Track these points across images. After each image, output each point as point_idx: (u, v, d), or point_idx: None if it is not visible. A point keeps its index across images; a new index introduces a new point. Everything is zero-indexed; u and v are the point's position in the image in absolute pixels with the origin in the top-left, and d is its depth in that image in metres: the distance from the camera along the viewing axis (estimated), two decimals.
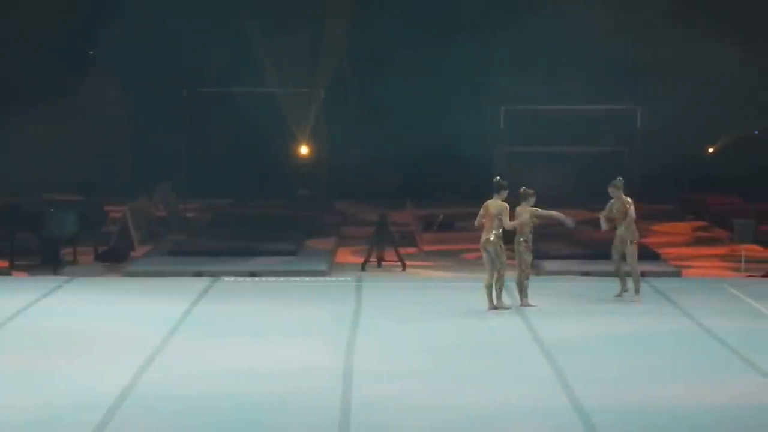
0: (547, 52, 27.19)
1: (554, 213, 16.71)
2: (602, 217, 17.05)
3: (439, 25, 27.71)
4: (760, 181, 27.00)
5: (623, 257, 16.94)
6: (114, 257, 20.83)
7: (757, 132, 28.34)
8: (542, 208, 16.56)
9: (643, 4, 27.08)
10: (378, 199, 26.42)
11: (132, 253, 21.42)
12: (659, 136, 27.38)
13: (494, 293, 16.22)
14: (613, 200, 16.99)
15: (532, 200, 16.45)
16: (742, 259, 19.96)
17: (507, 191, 16.21)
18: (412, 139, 27.84)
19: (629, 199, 16.89)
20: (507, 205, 16.17)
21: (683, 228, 25.69)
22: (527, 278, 16.57)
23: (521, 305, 16.47)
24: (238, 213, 26.57)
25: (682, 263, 20.78)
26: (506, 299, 16.47)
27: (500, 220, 16.03)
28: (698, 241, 24.07)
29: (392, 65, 27.84)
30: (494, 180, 16.35)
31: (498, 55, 27.41)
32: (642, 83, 27.41)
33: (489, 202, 16.18)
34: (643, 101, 28.21)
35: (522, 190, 16.49)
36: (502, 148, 26.98)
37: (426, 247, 22.64)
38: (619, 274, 17.13)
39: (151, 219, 24.04)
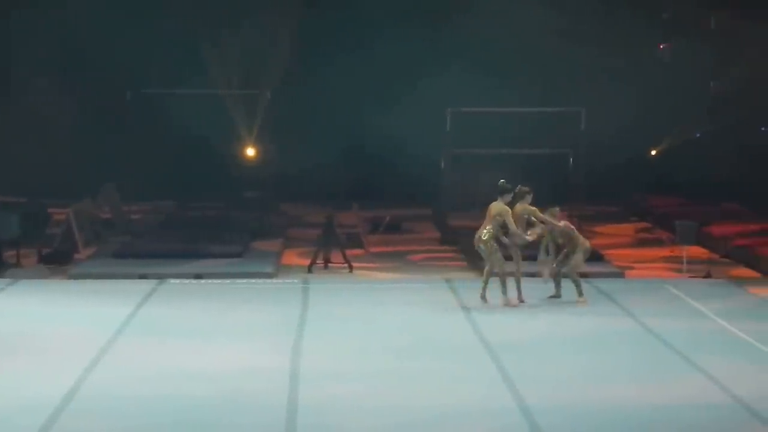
0: (492, 54, 27.29)
1: (547, 218, 16.69)
2: (544, 268, 17.04)
3: (386, 28, 27.71)
4: (703, 182, 27.26)
5: (566, 257, 16.98)
6: (58, 259, 20.65)
7: (698, 134, 28.62)
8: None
9: (588, 7, 27.25)
10: (324, 200, 26.38)
11: (76, 255, 21.26)
12: (604, 137, 27.56)
13: (486, 289, 16.42)
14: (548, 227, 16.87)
15: (529, 198, 16.63)
16: (684, 261, 20.15)
17: (511, 194, 16.44)
18: (358, 140, 27.83)
19: (561, 223, 16.86)
20: (509, 209, 16.35)
21: (626, 229, 25.90)
22: (513, 275, 16.54)
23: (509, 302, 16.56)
24: (183, 215, 26.43)
25: (626, 264, 20.95)
26: (491, 294, 16.49)
27: (497, 220, 16.27)
28: (641, 243, 24.27)
29: (339, 66, 27.82)
30: (498, 183, 16.58)
31: (443, 57, 27.48)
32: (587, 85, 27.57)
33: (492, 203, 16.47)
34: (587, 103, 28.39)
35: (518, 188, 16.60)
36: (448, 150, 27.00)
37: (372, 249, 22.67)
38: (557, 278, 17.20)
39: (96, 220, 23.85)
